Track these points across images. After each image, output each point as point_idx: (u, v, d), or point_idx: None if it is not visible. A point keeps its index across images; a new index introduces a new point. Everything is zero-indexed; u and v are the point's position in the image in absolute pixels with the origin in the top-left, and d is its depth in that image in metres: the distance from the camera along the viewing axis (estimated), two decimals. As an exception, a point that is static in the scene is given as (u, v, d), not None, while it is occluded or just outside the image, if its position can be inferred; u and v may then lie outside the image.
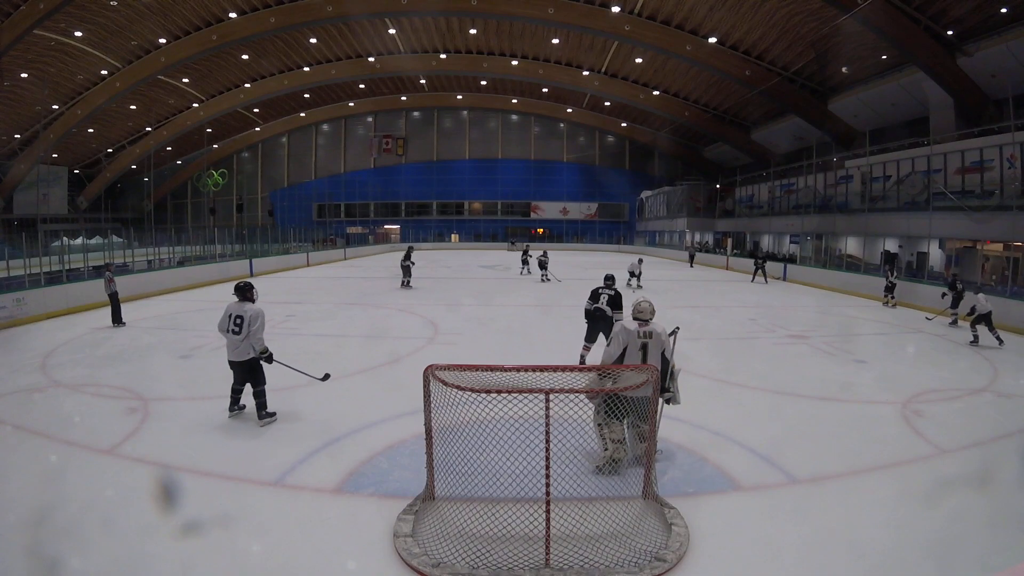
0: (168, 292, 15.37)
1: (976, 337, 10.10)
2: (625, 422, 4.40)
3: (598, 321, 7.43)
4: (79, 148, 42.40)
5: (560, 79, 36.67)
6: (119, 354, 8.35)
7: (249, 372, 5.46)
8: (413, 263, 17.48)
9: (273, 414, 5.56)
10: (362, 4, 27.09)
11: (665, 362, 4.49)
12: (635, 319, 4.60)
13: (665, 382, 4.44)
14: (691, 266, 28.93)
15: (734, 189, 36.81)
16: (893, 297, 14.79)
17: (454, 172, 48.94)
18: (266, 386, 5.53)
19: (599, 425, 4.35)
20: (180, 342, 9.26)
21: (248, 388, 5.54)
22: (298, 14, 27.79)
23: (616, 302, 7.44)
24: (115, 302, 10.70)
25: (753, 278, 20.67)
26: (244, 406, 5.68)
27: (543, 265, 19.78)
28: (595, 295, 7.56)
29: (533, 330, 11.04)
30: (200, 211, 49.76)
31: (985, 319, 10.02)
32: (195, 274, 17.22)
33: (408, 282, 17.25)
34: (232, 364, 5.47)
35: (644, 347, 4.46)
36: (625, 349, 4.47)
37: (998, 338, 9.92)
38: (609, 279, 7.89)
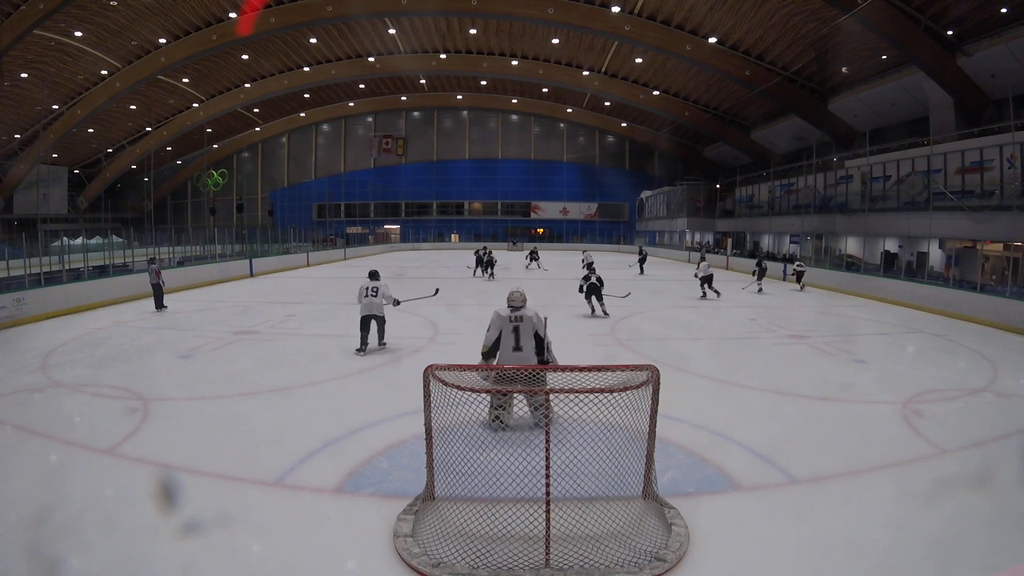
0: (168, 292, 15.27)
1: (705, 294, 15.56)
2: (517, 393, 4.95)
3: (597, 289, 12.07)
4: (79, 148, 42.40)
5: (560, 79, 36.67)
6: (119, 354, 8.35)
7: (379, 320, 8.46)
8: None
9: (385, 343, 8.66)
10: (362, 4, 27.09)
11: (539, 339, 5.29)
12: (508, 306, 5.32)
13: (543, 354, 5.29)
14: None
15: (734, 189, 36.79)
16: (800, 281, 18.55)
17: (454, 172, 48.94)
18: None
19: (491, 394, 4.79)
20: (180, 342, 9.25)
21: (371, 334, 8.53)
22: (298, 14, 27.78)
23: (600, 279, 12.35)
24: (158, 291, 12.43)
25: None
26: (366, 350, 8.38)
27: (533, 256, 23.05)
28: (588, 277, 12.24)
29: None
30: (200, 211, 49.78)
31: (707, 280, 15.61)
32: (195, 274, 17.21)
33: (492, 273, 20.54)
34: (365, 317, 8.35)
35: (516, 329, 5.23)
36: (501, 332, 5.24)
37: (716, 292, 15.57)
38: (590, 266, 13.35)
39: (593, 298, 12.09)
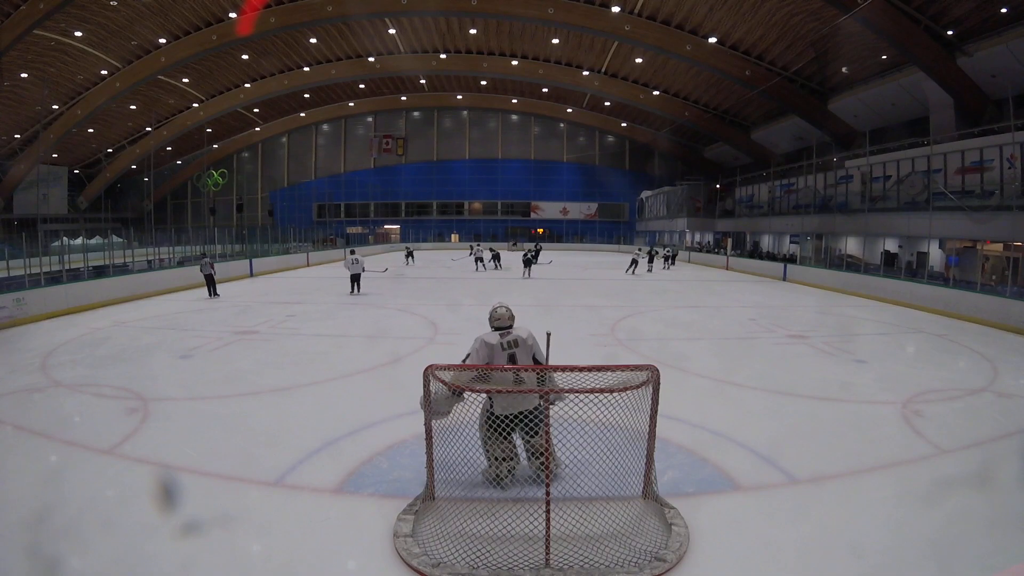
0: (168, 292, 15.38)
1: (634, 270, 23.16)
2: (516, 437, 4.04)
3: (530, 263, 20.90)
4: (79, 148, 42.40)
5: (560, 79, 36.67)
6: (119, 354, 8.35)
7: (359, 277, 15.15)
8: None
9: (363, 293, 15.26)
10: (362, 4, 27.09)
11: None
12: (495, 328, 4.08)
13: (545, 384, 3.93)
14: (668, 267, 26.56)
15: (734, 189, 36.79)
16: (670, 263, 26.67)
17: (454, 172, 48.94)
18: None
19: (483, 440, 4.02)
20: (180, 342, 9.26)
21: (360, 285, 15.38)
22: (298, 14, 27.79)
23: (537, 255, 22.02)
24: (211, 282, 14.77)
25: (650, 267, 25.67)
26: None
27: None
28: (527, 254, 21.09)
29: (533, 330, 11.01)
30: (200, 211, 49.78)
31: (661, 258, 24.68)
32: (195, 274, 17.16)
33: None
34: (353, 275, 15.12)
35: (512, 357, 4.00)
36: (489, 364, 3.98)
37: (634, 272, 22.94)
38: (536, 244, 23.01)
39: (529, 267, 20.96)
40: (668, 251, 28.35)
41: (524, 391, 3.79)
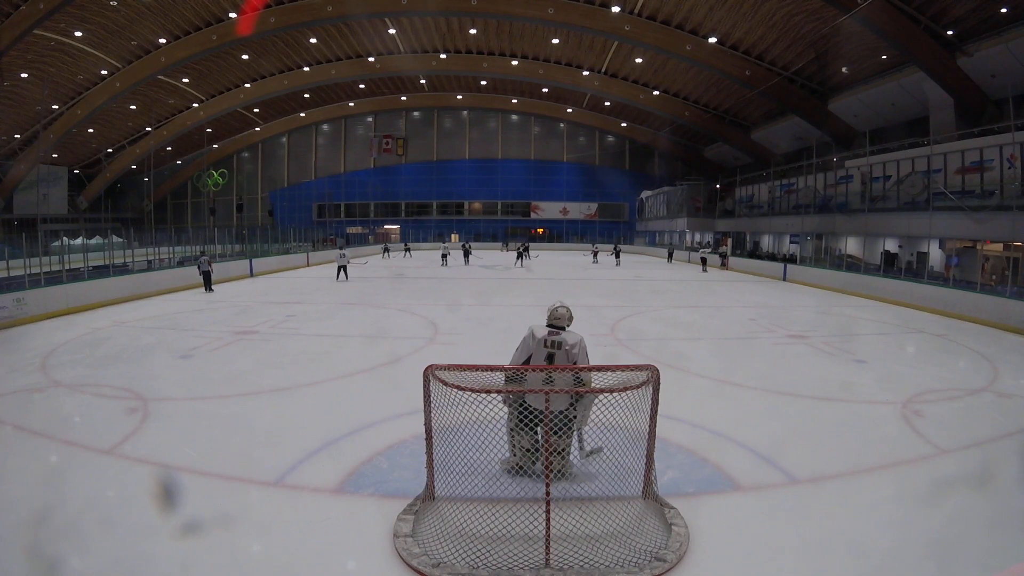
0: (168, 292, 15.37)
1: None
2: (540, 433, 4.10)
3: (522, 256, 27.53)
4: (79, 148, 42.39)
5: (560, 79, 36.67)
6: (119, 354, 8.35)
7: (346, 268, 19.38)
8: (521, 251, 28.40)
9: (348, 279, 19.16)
10: (362, 4, 27.09)
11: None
12: (548, 325, 4.24)
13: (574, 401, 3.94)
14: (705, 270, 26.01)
15: (734, 189, 36.78)
16: (616, 259, 29.02)
17: (454, 172, 48.93)
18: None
19: (510, 431, 4.18)
20: (180, 342, 9.26)
21: (347, 272, 19.58)
22: (298, 14, 27.79)
23: (526, 251, 28.19)
24: (208, 278, 15.87)
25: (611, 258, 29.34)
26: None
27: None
28: (518, 247, 28.33)
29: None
30: (200, 211, 49.79)
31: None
32: (195, 274, 17.18)
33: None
34: (340, 266, 19.34)
35: (551, 357, 4.11)
36: (529, 358, 4.15)
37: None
38: (525, 242, 28.29)
39: (520, 259, 26.46)
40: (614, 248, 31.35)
41: (524, 391, 3.84)
